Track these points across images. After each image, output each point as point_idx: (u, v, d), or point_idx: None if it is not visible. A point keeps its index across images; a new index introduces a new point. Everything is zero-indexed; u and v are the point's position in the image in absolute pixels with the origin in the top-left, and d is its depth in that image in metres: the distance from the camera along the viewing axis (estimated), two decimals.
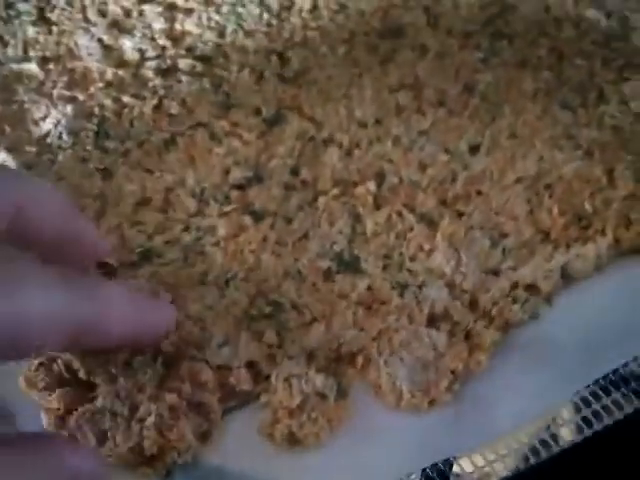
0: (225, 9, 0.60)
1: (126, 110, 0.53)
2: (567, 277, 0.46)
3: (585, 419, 0.42)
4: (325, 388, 0.41)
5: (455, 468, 0.39)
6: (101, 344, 0.36)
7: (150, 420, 0.39)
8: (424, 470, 0.39)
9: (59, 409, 0.39)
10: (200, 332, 0.42)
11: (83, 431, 0.38)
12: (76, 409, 0.39)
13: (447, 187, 0.49)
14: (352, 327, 0.43)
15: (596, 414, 0.42)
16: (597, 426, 0.41)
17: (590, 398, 0.42)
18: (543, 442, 0.40)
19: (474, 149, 0.51)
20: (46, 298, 0.30)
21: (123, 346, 0.39)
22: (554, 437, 0.41)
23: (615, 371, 0.42)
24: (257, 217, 0.47)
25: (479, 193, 0.48)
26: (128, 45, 0.57)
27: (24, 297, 0.29)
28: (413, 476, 0.39)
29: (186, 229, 0.47)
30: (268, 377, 0.42)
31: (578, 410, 0.42)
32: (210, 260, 0.45)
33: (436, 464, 0.39)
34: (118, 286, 0.38)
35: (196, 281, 0.44)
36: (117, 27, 0.59)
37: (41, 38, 0.58)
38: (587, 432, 0.41)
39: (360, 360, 0.42)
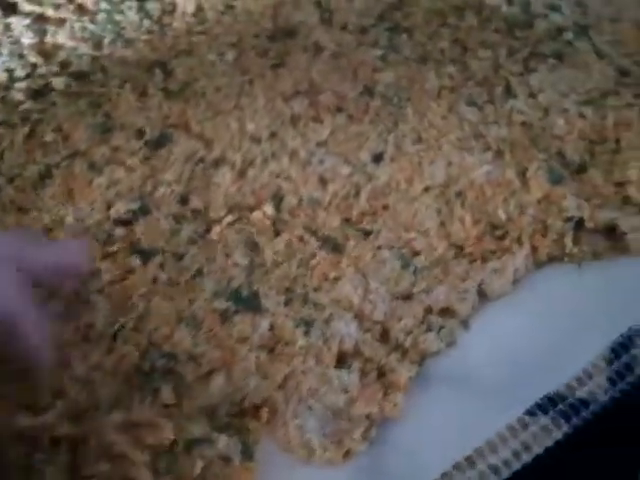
0: (101, 17, 0.55)
1: None
2: (483, 295, 0.42)
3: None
4: (229, 450, 0.37)
5: None
6: None
7: None
8: None
9: None
10: (88, 396, 0.37)
11: None
12: None
13: (351, 203, 0.45)
14: (255, 375, 0.38)
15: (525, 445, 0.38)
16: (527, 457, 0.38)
17: (517, 427, 0.38)
18: None
19: (377, 158, 0.47)
20: None
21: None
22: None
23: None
24: (145, 256, 0.42)
25: (385, 207, 0.44)
26: None
27: None
28: None
29: None
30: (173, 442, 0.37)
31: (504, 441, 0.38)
32: (94, 310, 0.40)
33: None
34: None
35: (80, 337, 0.40)
36: None
37: None
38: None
39: (266, 413, 0.38)
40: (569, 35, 0.53)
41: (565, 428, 0.39)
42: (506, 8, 0.54)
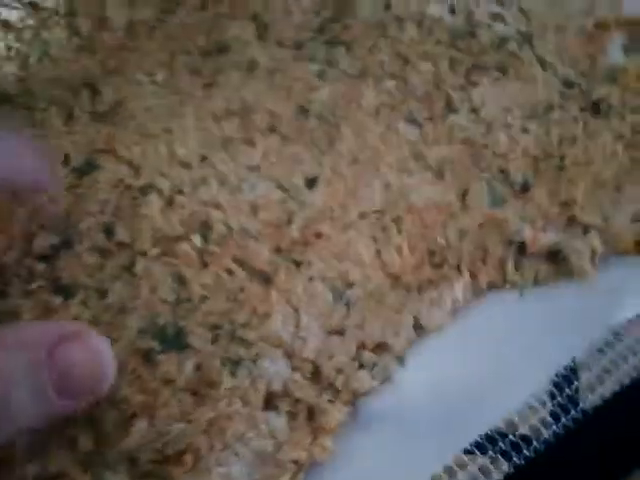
0: (28, 34, 0.52)
1: None
2: (420, 328, 0.40)
3: None
4: None
5: None
6: None
7: None
8: None
9: None
10: (2, 448, 0.35)
11: None
12: None
13: (282, 231, 0.43)
14: (178, 419, 0.36)
15: None
16: None
17: (455, 468, 0.37)
18: None
19: (311, 182, 0.45)
20: None
21: None
22: None
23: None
24: (67, 293, 0.40)
25: (318, 236, 0.43)
26: None
27: None
28: None
29: None
30: None
31: None
32: None
33: None
34: None
35: None
36: None
37: None
38: None
39: (189, 459, 0.35)
40: (513, 45, 0.51)
41: (505, 467, 0.37)
42: (449, 18, 0.52)
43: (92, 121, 0.48)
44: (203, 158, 0.46)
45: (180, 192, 0.45)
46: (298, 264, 0.42)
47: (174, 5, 0.54)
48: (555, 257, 0.43)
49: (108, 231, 0.43)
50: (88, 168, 0.46)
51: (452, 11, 0.53)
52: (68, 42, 0.53)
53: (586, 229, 0.44)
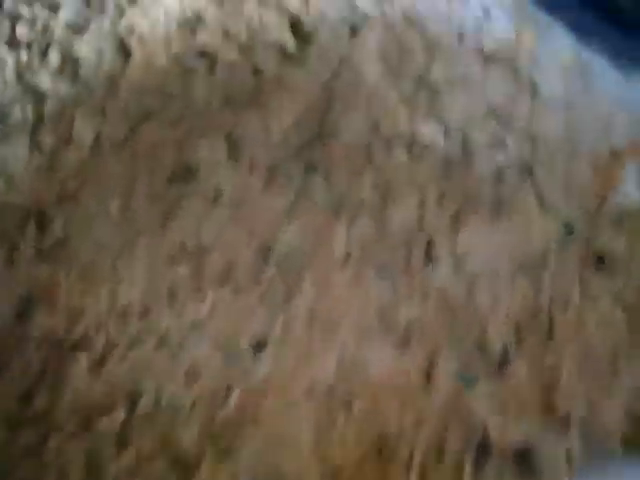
0: None
1: None
2: None
3: None
4: None
5: None
6: None
7: None
8: None
9: None
10: None
11: None
12: None
13: (217, 406, 0.38)
14: None
15: None
16: None
17: None
18: None
19: (260, 345, 0.40)
20: None
21: None
22: None
23: None
24: None
25: (256, 416, 0.37)
26: None
27: None
28: None
29: None
30: None
31: None
32: None
33: None
34: None
35: None
36: None
37: None
38: None
39: None
40: (512, 177, 0.45)
41: None
42: (442, 143, 0.46)
43: (36, 258, 0.44)
44: (146, 310, 0.42)
45: (113, 351, 0.40)
46: (227, 451, 0.37)
47: (146, 119, 0.49)
48: (524, 458, 0.36)
49: (26, 399, 0.39)
50: (22, 316, 0.42)
51: (447, 135, 0.47)
52: (29, 161, 0.48)
53: (567, 421, 0.37)
